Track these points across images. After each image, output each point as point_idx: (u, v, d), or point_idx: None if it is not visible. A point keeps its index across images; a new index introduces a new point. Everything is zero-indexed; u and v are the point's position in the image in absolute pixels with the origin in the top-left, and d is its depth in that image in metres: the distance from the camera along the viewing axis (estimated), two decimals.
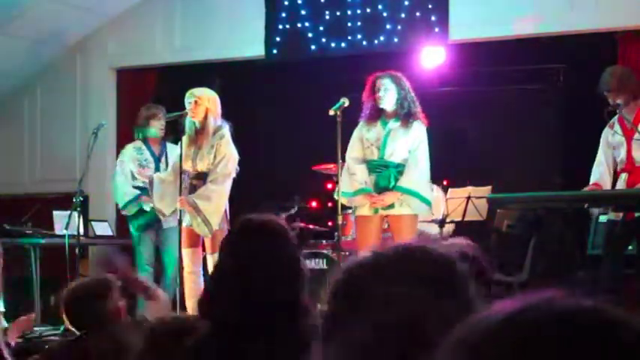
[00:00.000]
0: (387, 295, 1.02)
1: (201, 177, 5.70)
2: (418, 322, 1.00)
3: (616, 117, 5.29)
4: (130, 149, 6.65)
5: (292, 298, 2.13)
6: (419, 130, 5.45)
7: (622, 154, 5.24)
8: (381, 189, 5.40)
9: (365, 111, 5.52)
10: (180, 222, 5.64)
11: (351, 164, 5.48)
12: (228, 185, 5.68)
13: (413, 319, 1.01)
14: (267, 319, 2.08)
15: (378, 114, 5.48)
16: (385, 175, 5.41)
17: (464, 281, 1.08)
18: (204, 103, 5.65)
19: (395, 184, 5.39)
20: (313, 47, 7.49)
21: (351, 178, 5.45)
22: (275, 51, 7.58)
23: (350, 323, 1.03)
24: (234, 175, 5.74)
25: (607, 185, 5.30)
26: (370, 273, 1.07)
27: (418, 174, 5.41)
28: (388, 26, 7.23)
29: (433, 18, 7.07)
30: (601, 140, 5.40)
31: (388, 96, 5.40)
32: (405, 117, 5.42)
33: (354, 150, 5.52)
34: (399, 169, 5.41)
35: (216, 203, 5.58)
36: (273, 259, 2.15)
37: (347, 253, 6.06)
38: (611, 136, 5.32)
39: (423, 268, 1.06)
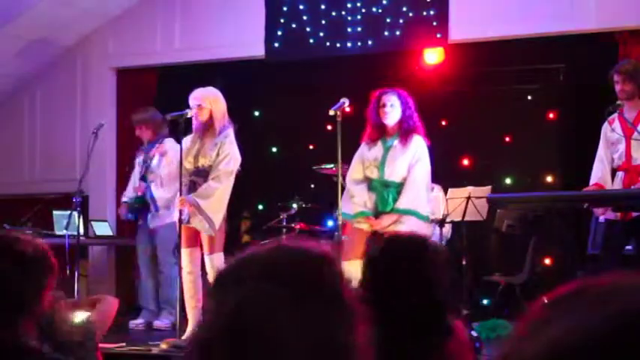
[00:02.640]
0: (242, 292, 1.03)
1: (202, 174, 5.70)
2: (271, 323, 1.00)
3: (616, 114, 5.28)
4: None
5: None
6: (418, 146, 5.42)
7: (620, 151, 5.24)
8: (379, 211, 5.39)
9: (367, 130, 5.53)
10: (180, 221, 5.63)
11: (349, 186, 5.49)
12: (229, 183, 5.67)
13: (265, 320, 1.00)
14: None
15: (379, 132, 5.48)
16: (385, 197, 5.40)
17: (332, 279, 1.07)
18: (207, 105, 5.67)
19: (393, 205, 5.38)
20: (313, 47, 7.49)
21: (351, 200, 5.45)
22: (275, 51, 7.58)
23: (211, 320, 1.05)
24: (233, 173, 5.74)
25: (608, 184, 5.30)
26: (235, 270, 1.08)
27: (416, 192, 5.37)
28: (388, 26, 7.23)
29: (433, 18, 7.07)
30: (601, 136, 5.40)
31: (394, 112, 5.41)
32: (405, 133, 5.41)
33: (354, 171, 5.53)
34: (399, 188, 5.39)
35: (217, 201, 5.59)
36: None
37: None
38: (609, 132, 5.31)
39: (285, 268, 1.06)
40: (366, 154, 5.51)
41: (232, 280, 1.06)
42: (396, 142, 5.43)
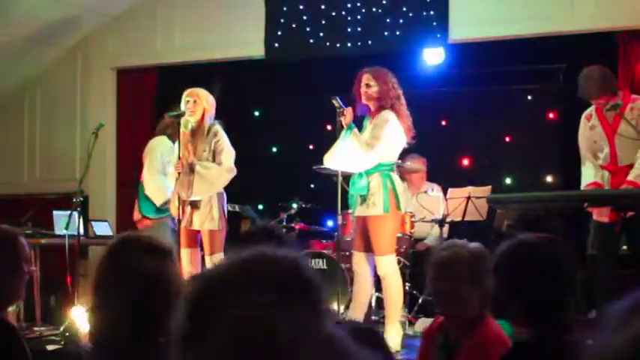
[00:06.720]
0: (237, 304, 1.01)
1: None
2: (270, 329, 0.99)
3: (592, 108, 5.28)
4: (167, 146, 6.39)
5: None
6: (383, 115, 5.23)
7: (605, 151, 5.22)
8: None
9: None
10: (179, 222, 5.64)
11: None
12: (228, 174, 5.63)
13: (264, 327, 0.99)
14: None
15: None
16: (356, 180, 5.35)
17: (313, 284, 1.07)
18: (202, 102, 5.65)
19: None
20: (313, 47, 7.49)
21: None
22: (275, 51, 7.58)
23: (203, 339, 1.02)
24: (234, 171, 5.72)
25: (606, 184, 5.28)
26: (218, 284, 1.06)
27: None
28: (388, 26, 7.23)
29: (433, 18, 7.07)
30: (579, 135, 5.37)
31: (370, 92, 5.29)
32: (378, 110, 5.28)
33: None
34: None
35: (211, 177, 5.55)
36: None
37: (347, 253, 6.06)
38: (589, 130, 5.30)
39: (269, 274, 1.05)
40: None
41: (216, 300, 1.04)
42: (369, 120, 5.42)
